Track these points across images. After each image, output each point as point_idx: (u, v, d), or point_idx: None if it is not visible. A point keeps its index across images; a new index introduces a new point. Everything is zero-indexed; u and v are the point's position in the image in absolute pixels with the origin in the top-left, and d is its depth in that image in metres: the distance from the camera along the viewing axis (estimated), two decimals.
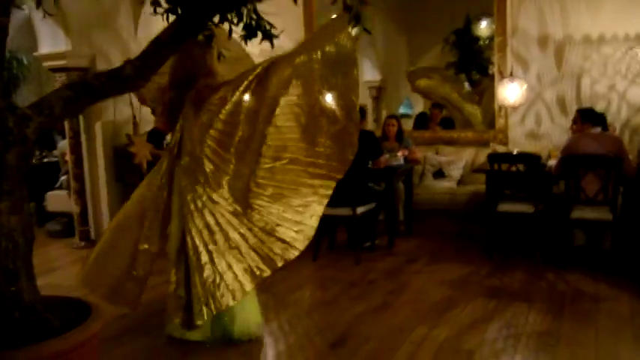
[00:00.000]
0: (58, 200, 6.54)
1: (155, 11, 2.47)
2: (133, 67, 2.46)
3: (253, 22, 2.49)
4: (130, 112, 6.30)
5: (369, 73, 8.64)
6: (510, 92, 5.73)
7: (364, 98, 8.45)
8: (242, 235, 3.24)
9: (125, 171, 5.98)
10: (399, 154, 5.86)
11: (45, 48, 5.78)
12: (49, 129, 8.24)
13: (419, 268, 5.03)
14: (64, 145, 6.50)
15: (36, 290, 2.50)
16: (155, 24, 6.77)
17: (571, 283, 4.48)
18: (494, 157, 5.12)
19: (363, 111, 5.59)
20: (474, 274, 4.78)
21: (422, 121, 7.46)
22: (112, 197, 6.12)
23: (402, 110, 8.70)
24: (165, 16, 2.50)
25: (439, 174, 6.40)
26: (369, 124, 7.41)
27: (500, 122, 6.37)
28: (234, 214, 3.26)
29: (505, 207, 5.09)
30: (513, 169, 5.03)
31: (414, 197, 6.20)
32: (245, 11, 2.52)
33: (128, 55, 6.56)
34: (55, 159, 7.25)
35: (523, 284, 4.49)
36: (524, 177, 5.02)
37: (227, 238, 3.23)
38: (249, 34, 2.54)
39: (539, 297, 4.20)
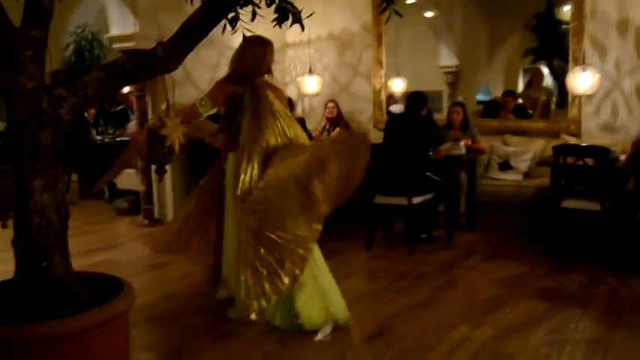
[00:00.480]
0: (127, 178, 6.77)
1: None
2: (164, 50, 2.47)
3: (284, 4, 2.42)
4: (196, 95, 6.53)
5: (445, 58, 8.42)
6: (581, 81, 5.38)
7: (439, 84, 8.25)
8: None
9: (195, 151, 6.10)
10: (462, 143, 5.66)
11: (115, 30, 5.96)
12: (124, 109, 8.58)
13: (473, 264, 4.85)
14: (133, 124, 6.72)
15: (68, 266, 2.59)
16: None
17: (635, 289, 4.18)
18: (559, 149, 4.84)
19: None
20: (530, 273, 4.55)
21: (491, 109, 7.17)
22: (176, 178, 6.28)
23: (479, 97, 8.42)
24: None
25: (505, 165, 6.13)
26: (443, 111, 7.20)
27: (572, 112, 6.00)
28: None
29: (569, 203, 4.81)
30: (580, 162, 4.73)
31: (477, 189, 5.97)
32: None
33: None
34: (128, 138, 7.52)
35: (581, 287, 4.24)
36: (592, 172, 4.73)
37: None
38: (281, 17, 2.48)
39: (596, 302, 3.94)
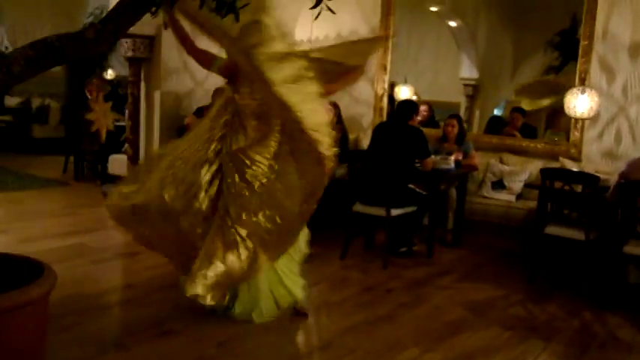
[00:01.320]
0: (118, 164, 6.73)
1: None
2: (94, 31, 2.38)
3: None
4: (191, 85, 6.46)
5: (466, 70, 8.19)
6: (580, 103, 5.14)
7: (458, 95, 8.06)
8: None
9: None
10: (452, 157, 5.47)
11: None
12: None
13: (448, 283, 4.66)
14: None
15: None
16: None
17: (608, 325, 3.95)
18: (547, 173, 4.63)
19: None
20: (503, 299, 4.36)
21: (494, 126, 6.94)
22: None
23: (496, 112, 8.21)
24: None
25: (499, 184, 5.91)
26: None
27: (574, 135, 5.76)
28: None
29: (554, 230, 4.59)
30: (567, 188, 4.52)
31: (468, 206, 5.77)
32: None
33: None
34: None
35: (552, 319, 4.02)
36: (578, 199, 4.50)
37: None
38: (218, 7, 2.36)
39: (563, 337, 3.73)
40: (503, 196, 5.80)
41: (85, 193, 7.07)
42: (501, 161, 6.07)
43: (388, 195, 4.87)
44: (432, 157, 5.25)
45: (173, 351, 3.22)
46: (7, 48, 9.51)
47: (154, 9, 2.42)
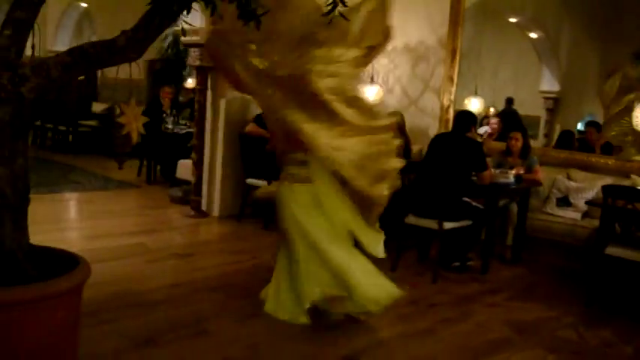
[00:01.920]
0: (185, 168, 6.98)
1: None
2: (125, 39, 2.49)
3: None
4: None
5: (546, 83, 7.93)
6: None
7: (538, 109, 7.80)
8: None
9: (245, 149, 6.18)
10: (512, 171, 5.28)
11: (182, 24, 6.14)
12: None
13: (498, 301, 4.49)
14: None
15: (21, 239, 2.64)
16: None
17: None
18: (609, 190, 4.37)
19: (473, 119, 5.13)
20: (554, 320, 4.14)
21: (565, 141, 6.65)
22: (227, 172, 6.38)
23: (580, 127, 7.89)
24: None
25: (564, 201, 5.63)
26: (539, 138, 7.05)
27: None
28: None
29: (615, 250, 4.32)
30: (630, 206, 4.24)
31: (530, 222, 5.54)
32: None
33: None
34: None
35: (603, 344, 3.78)
36: None
37: None
38: (243, 14, 2.42)
39: None
40: (568, 214, 5.52)
41: (154, 195, 7.36)
42: (568, 177, 5.79)
43: (441, 207, 4.76)
44: (491, 170, 5.09)
45: (200, 350, 3.29)
46: None
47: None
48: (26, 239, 2.70)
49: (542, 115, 7.92)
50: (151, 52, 10.22)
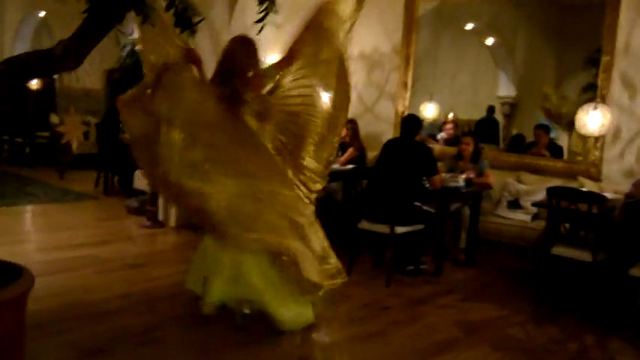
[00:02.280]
0: (142, 179, 6.91)
1: None
2: (62, 48, 2.49)
3: (180, 8, 2.38)
4: None
5: (503, 88, 8.05)
6: (591, 120, 4.98)
7: (496, 114, 7.91)
8: None
9: None
10: (463, 176, 5.39)
11: (137, 34, 6.13)
12: None
13: (450, 302, 4.56)
14: None
15: None
16: (250, 13, 6.94)
17: (608, 351, 3.77)
18: (553, 191, 4.49)
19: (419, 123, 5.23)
20: (503, 319, 4.23)
21: (516, 144, 6.80)
22: None
23: None
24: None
25: (514, 204, 5.76)
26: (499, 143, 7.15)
27: (594, 154, 5.57)
28: None
29: (561, 250, 4.44)
30: (573, 207, 4.37)
31: (482, 225, 5.64)
32: None
33: (220, 45, 6.83)
34: None
35: (549, 341, 3.87)
36: (585, 219, 4.34)
37: None
38: (179, 23, 2.44)
39: None
40: (518, 216, 5.65)
41: (111, 206, 7.29)
42: (519, 180, 5.93)
43: (393, 212, 4.82)
44: (441, 175, 5.19)
45: (151, 358, 3.27)
46: None
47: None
48: None
49: (501, 120, 8.07)
50: (109, 62, 10.13)
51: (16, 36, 11.99)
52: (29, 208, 7.10)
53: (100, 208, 7.31)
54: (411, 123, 5.11)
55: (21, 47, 12.17)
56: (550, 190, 4.52)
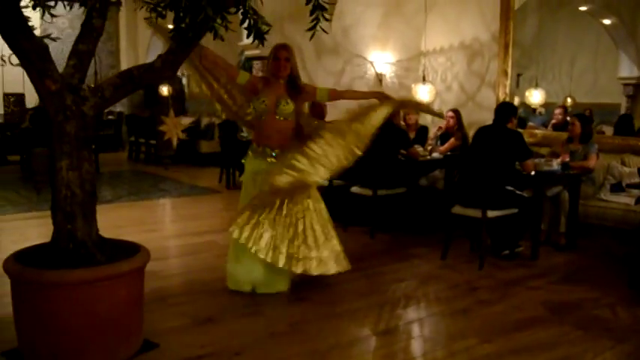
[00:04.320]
0: None
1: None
2: (161, 61, 3.00)
3: (251, 21, 2.77)
4: None
5: (625, 69, 7.82)
6: None
7: (618, 96, 7.71)
8: None
9: None
10: (558, 160, 5.38)
11: (245, 39, 6.70)
12: None
13: (541, 285, 4.64)
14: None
15: (90, 231, 3.20)
16: (350, 16, 7.33)
17: None
18: None
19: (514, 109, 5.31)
20: (593, 301, 4.25)
21: (624, 126, 6.58)
22: None
23: None
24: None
25: (618, 187, 5.65)
26: None
27: None
28: None
29: None
30: None
31: (584, 209, 5.60)
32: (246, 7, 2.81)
33: (322, 45, 7.27)
34: None
35: (636, 322, 3.87)
36: None
37: None
38: (256, 36, 2.83)
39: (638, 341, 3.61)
40: (621, 199, 5.54)
41: (232, 199, 7.94)
42: (623, 163, 5.79)
43: (484, 196, 4.97)
44: (534, 159, 5.25)
45: (251, 327, 3.74)
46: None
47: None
48: (95, 231, 3.26)
49: (622, 102, 7.80)
50: None
51: (149, 49, 13.24)
52: (161, 201, 8.00)
53: (222, 200, 8.04)
54: (503, 110, 5.21)
55: (153, 57, 13.43)
56: None
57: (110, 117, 13.60)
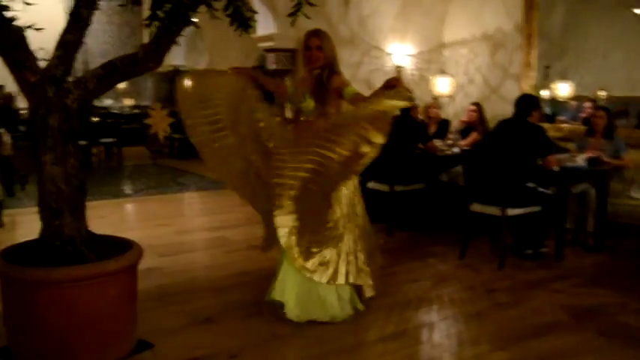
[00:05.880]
0: None
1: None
2: (143, 51, 2.84)
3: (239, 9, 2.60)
4: None
5: None
6: None
7: None
8: None
9: None
10: (584, 155, 5.08)
11: (259, 31, 6.54)
12: None
13: (563, 287, 4.36)
14: None
15: (79, 227, 3.07)
16: (367, 6, 7.09)
17: None
18: None
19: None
20: (618, 306, 3.96)
21: None
22: None
23: None
24: None
25: None
26: None
27: None
28: None
29: None
30: None
31: (612, 208, 5.28)
32: None
33: (337, 35, 7.05)
34: None
35: None
36: None
37: None
38: (240, 24, 2.66)
39: None
40: None
41: None
42: None
43: (503, 193, 4.71)
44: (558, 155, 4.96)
45: (252, 328, 3.57)
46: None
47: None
48: (84, 227, 3.12)
49: None
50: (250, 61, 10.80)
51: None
52: (177, 195, 7.91)
53: (234, 195, 7.88)
54: (523, 103, 4.93)
55: (178, 54, 13.38)
56: None
57: (136, 110, 13.60)
